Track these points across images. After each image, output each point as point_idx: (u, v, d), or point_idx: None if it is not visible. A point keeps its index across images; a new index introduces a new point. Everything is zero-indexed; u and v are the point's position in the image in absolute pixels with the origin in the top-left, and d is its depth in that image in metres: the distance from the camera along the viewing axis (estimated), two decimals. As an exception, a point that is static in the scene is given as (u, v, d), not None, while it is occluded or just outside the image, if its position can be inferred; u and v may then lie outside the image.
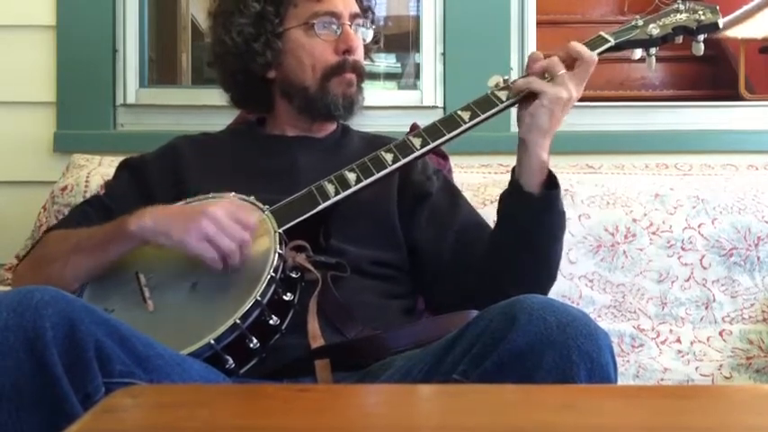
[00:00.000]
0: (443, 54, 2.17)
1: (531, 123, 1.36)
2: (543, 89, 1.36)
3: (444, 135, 1.40)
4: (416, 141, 1.40)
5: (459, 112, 1.41)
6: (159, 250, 1.34)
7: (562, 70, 1.36)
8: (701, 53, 1.48)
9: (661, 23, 1.46)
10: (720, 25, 1.46)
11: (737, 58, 2.92)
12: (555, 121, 1.36)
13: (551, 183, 1.38)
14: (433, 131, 1.40)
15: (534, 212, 1.37)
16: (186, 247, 1.28)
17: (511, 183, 1.40)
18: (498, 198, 1.43)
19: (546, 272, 1.42)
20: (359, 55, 1.55)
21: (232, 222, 1.28)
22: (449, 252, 1.47)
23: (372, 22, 1.60)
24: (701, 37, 1.46)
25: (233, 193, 1.39)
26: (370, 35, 1.60)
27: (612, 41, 1.44)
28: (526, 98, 1.39)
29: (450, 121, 1.41)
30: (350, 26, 1.53)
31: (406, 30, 2.42)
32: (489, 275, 1.40)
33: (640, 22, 1.46)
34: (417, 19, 2.23)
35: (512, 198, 1.40)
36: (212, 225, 1.27)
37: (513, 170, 1.40)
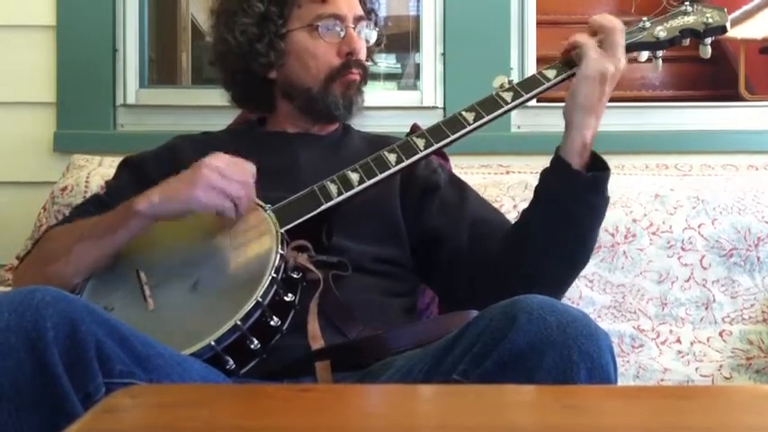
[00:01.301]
0: (443, 54, 2.17)
1: (573, 103, 1.35)
2: (587, 53, 1.33)
3: (448, 136, 1.39)
4: (420, 142, 1.40)
5: (463, 113, 1.40)
6: (160, 248, 1.34)
7: (614, 36, 1.35)
8: (709, 56, 1.47)
9: (668, 26, 1.45)
10: (728, 28, 1.45)
11: (737, 58, 2.92)
12: (596, 99, 1.34)
13: (599, 165, 1.36)
14: (436, 132, 1.40)
15: (579, 192, 1.34)
16: (196, 200, 1.28)
17: (554, 160, 1.37)
18: (539, 175, 1.40)
19: (582, 255, 1.40)
20: (362, 57, 1.55)
21: (232, 168, 1.30)
22: (465, 239, 1.45)
23: (376, 24, 1.60)
24: (709, 40, 1.45)
25: None
26: (373, 37, 1.59)
27: None
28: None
29: (453, 122, 1.40)
30: (353, 28, 1.53)
31: (406, 30, 2.42)
32: (517, 258, 1.37)
33: (648, 24, 1.45)
34: (417, 19, 2.23)
35: (555, 176, 1.37)
36: (215, 173, 1.28)
37: (557, 149, 1.38)
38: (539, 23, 2.22)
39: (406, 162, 1.39)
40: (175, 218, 1.32)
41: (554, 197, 1.37)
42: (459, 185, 1.57)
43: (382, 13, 1.99)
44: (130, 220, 1.32)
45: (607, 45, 1.35)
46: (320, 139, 1.59)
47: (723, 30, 1.45)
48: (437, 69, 2.18)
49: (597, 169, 1.35)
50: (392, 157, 1.40)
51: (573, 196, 1.35)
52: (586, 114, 1.34)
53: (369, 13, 1.59)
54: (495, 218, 1.49)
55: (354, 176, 1.39)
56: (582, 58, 1.35)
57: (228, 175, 1.29)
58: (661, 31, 1.44)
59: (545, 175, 1.39)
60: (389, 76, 2.51)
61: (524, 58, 2.17)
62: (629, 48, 1.44)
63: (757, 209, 1.83)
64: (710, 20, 1.44)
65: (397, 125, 1.93)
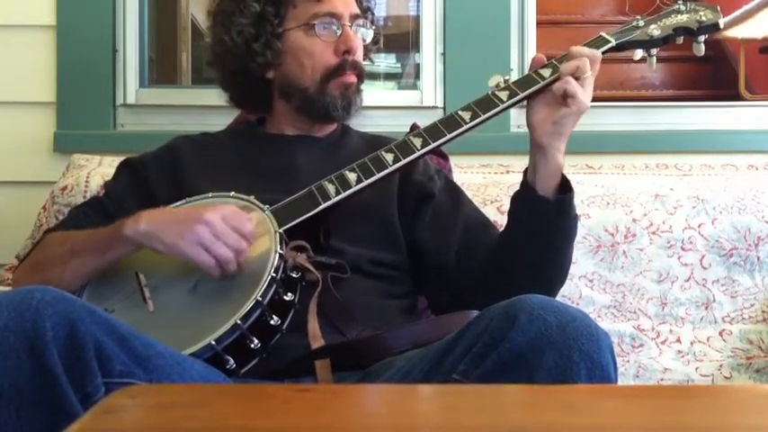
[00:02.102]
0: (443, 54, 2.17)
1: (555, 131, 1.35)
2: (578, 96, 1.33)
3: (445, 135, 1.40)
4: (417, 141, 1.40)
5: (459, 113, 1.41)
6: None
7: (589, 72, 1.35)
8: (702, 53, 1.48)
9: (662, 24, 1.46)
10: (721, 26, 1.46)
11: (737, 58, 2.93)
12: (574, 126, 1.37)
13: (564, 186, 1.37)
14: (433, 131, 1.40)
15: (548, 217, 1.36)
16: (180, 252, 1.28)
17: (523, 185, 1.39)
18: (510, 199, 1.42)
19: (558, 275, 1.42)
20: (359, 56, 1.55)
21: (229, 229, 1.28)
22: (453, 252, 1.46)
23: (372, 22, 1.60)
24: (702, 37, 1.46)
25: (232, 192, 1.39)
26: (370, 36, 1.60)
27: (613, 42, 1.44)
28: (537, 99, 1.38)
29: (450, 122, 1.40)
30: (350, 27, 1.53)
31: (406, 30, 2.42)
32: (497, 276, 1.39)
33: (641, 23, 1.46)
34: (417, 19, 2.23)
35: (525, 201, 1.38)
36: (207, 231, 1.26)
37: (525, 172, 1.39)
38: (539, 23, 2.22)
39: (404, 161, 1.40)
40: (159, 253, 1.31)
41: (524, 222, 1.39)
42: (455, 192, 1.57)
43: (382, 12, 2.00)
44: (119, 242, 1.32)
45: (589, 79, 1.36)
46: (319, 140, 1.59)
47: (716, 27, 1.45)
48: (437, 69, 2.18)
49: (564, 189, 1.37)
50: (389, 157, 1.40)
51: (542, 222, 1.36)
52: (561, 140, 1.36)
53: (365, 11, 1.59)
54: (484, 231, 1.49)
55: (352, 176, 1.39)
56: (575, 98, 1.33)
57: (223, 236, 1.27)
58: (655, 30, 1.45)
59: (514, 200, 1.41)
60: (389, 76, 2.52)
61: (524, 58, 2.17)
62: (624, 46, 1.45)
63: (757, 209, 1.83)
64: (704, 18, 1.45)
65: (396, 125, 1.93)
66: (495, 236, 1.47)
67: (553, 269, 1.41)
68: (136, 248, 1.32)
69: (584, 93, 1.34)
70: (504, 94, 1.40)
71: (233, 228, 1.28)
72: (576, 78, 1.34)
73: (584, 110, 1.35)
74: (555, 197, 1.36)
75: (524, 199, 1.39)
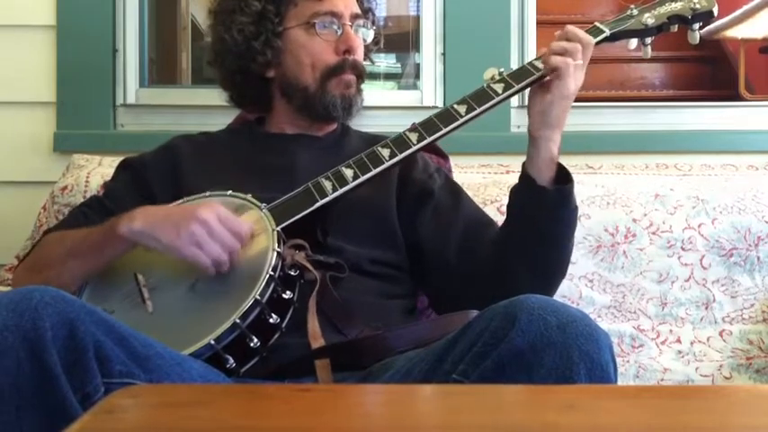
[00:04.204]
0: (443, 54, 2.17)
1: (543, 120, 1.37)
2: (562, 73, 1.34)
3: (441, 129, 1.40)
4: (413, 136, 1.41)
5: (455, 106, 1.41)
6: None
7: (580, 60, 1.36)
8: (697, 41, 1.48)
9: (656, 12, 1.46)
10: (715, 13, 1.47)
11: (737, 58, 2.93)
12: (565, 114, 1.37)
13: (563, 177, 1.38)
14: (429, 126, 1.40)
15: (547, 206, 1.37)
16: (176, 251, 1.27)
17: (522, 178, 1.40)
18: (509, 193, 1.43)
19: (559, 267, 1.42)
20: (359, 55, 1.55)
21: (223, 228, 1.27)
22: (454, 251, 1.46)
23: (373, 22, 1.61)
24: (696, 25, 1.47)
25: (230, 191, 1.39)
26: (370, 36, 1.60)
27: (608, 32, 1.44)
28: (533, 91, 1.39)
29: (446, 116, 1.40)
30: (350, 26, 1.54)
31: (406, 30, 2.42)
32: (499, 272, 1.39)
33: (635, 12, 1.47)
34: (417, 19, 2.24)
35: (524, 193, 1.39)
36: (202, 230, 1.26)
37: (524, 165, 1.40)
38: (539, 23, 2.22)
39: (400, 156, 1.39)
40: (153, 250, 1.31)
41: (524, 214, 1.39)
42: (454, 190, 1.57)
43: (382, 12, 1.99)
44: (114, 241, 1.32)
45: (584, 60, 1.37)
46: (318, 139, 1.59)
47: (710, 14, 1.46)
48: (437, 69, 2.18)
49: (564, 181, 1.37)
50: (386, 152, 1.40)
51: (542, 212, 1.37)
52: (553, 130, 1.37)
53: (366, 11, 1.59)
54: (485, 229, 1.49)
55: (348, 172, 1.39)
56: (561, 78, 1.35)
57: (217, 234, 1.27)
58: (649, 18, 1.45)
59: (514, 192, 1.42)
60: (389, 76, 2.51)
61: (524, 58, 2.17)
62: (618, 36, 1.45)
63: (757, 209, 1.83)
64: (698, 5, 1.45)
65: (396, 125, 1.92)
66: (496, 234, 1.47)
67: (553, 261, 1.41)
68: (130, 247, 1.32)
69: (569, 74, 1.35)
70: (499, 87, 1.41)
71: (227, 226, 1.28)
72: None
73: (568, 95, 1.35)
74: (553, 187, 1.36)
75: (522, 189, 1.39)
